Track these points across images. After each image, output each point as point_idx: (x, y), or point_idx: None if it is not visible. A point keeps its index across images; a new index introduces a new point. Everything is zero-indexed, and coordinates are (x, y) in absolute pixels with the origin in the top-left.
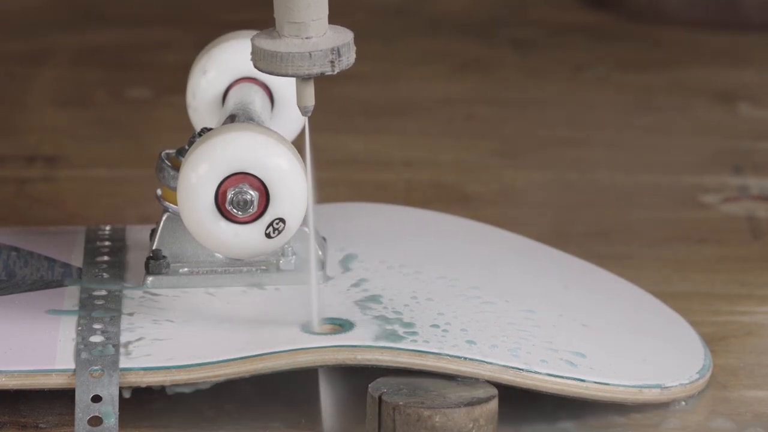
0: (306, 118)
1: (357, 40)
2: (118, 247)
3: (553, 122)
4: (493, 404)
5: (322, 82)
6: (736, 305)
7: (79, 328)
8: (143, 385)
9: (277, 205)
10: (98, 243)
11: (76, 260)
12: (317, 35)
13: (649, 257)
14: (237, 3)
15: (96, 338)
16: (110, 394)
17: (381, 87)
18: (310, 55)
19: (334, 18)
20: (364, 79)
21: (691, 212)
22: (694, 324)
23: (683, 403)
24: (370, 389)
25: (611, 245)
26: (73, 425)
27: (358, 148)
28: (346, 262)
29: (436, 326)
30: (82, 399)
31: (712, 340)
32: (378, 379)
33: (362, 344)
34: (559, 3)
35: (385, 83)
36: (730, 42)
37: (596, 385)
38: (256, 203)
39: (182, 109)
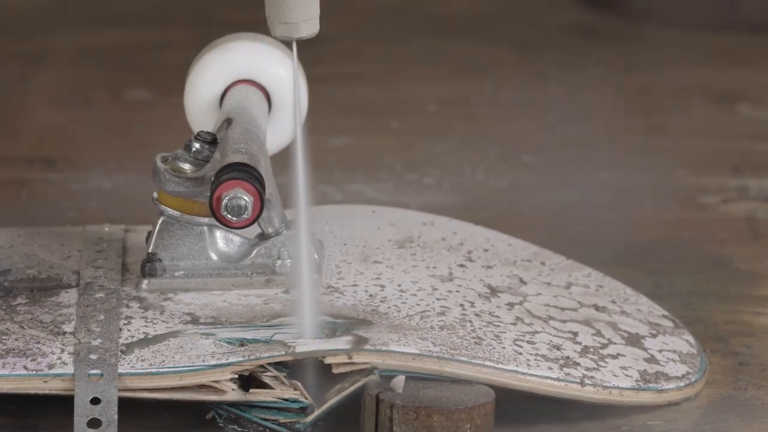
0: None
1: (358, 41)
2: (116, 248)
3: (553, 122)
4: (490, 405)
5: (323, 83)
6: (736, 306)
7: (78, 330)
8: (141, 388)
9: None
10: (96, 245)
11: (74, 262)
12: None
13: (648, 258)
14: (236, 4)
15: (94, 341)
16: (109, 396)
17: (381, 87)
18: None
19: (335, 19)
20: (364, 79)
21: (690, 213)
22: (694, 324)
23: (680, 404)
24: (367, 387)
25: (611, 246)
26: (72, 427)
27: (358, 149)
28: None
29: (433, 328)
30: (80, 401)
31: (711, 341)
32: (375, 378)
33: (357, 348)
34: (559, 3)
35: (386, 83)
36: (730, 43)
37: (592, 388)
38: (250, 208)
39: (181, 111)
